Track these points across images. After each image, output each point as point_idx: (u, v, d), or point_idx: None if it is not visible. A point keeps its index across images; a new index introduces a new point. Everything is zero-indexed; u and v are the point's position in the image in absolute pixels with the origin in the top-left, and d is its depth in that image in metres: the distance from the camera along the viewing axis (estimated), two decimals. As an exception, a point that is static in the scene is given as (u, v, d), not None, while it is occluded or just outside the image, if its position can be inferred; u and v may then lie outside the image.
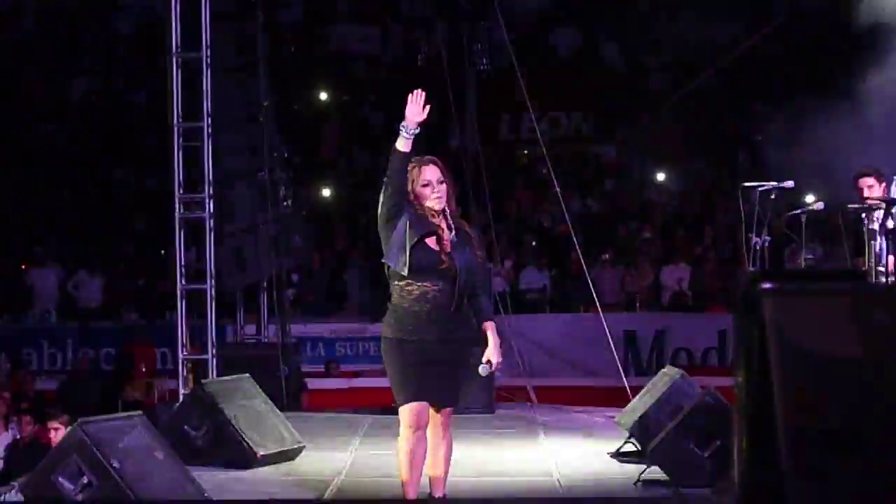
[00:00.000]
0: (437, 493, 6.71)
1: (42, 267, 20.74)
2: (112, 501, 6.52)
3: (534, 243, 20.42)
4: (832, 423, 1.15)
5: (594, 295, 13.16)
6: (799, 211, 9.16)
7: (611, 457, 9.44)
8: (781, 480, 1.23)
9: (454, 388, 6.68)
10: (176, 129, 12.51)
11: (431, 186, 6.50)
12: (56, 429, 10.20)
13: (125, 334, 19.44)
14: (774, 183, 9.24)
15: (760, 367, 1.27)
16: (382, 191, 6.46)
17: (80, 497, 7.13)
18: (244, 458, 9.27)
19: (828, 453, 1.15)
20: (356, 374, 18.38)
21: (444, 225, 6.54)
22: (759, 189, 9.28)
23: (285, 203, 14.80)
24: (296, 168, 19.03)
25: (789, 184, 9.28)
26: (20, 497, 9.50)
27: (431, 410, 6.62)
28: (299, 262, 17.36)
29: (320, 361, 18.82)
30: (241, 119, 13.82)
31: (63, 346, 19.25)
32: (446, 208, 6.56)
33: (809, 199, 12.84)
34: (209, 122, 12.49)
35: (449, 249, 6.48)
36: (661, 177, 23.20)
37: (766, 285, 1.22)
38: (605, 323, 12.86)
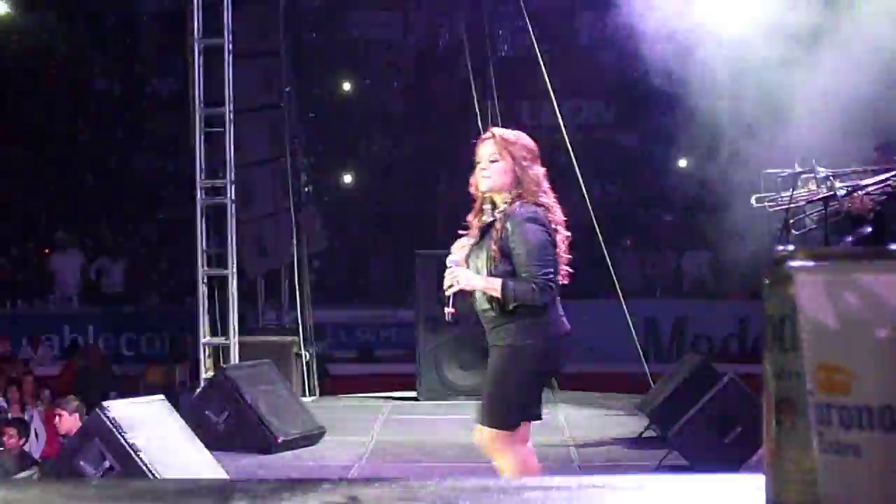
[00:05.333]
0: None
1: (64, 252, 20.81)
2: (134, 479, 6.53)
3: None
4: (865, 400, 1.15)
5: (615, 281, 13.13)
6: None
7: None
8: (813, 458, 1.23)
9: (485, 405, 5.89)
10: (198, 115, 12.52)
11: (480, 167, 5.88)
12: (59, 414, 10.19)
13: (146, 319, 19.51)
14: (797, 168, 9.17)
15: (791, 345, 1.27)
16: None
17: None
18: (265, 443, 9.31)
19: (860, 430, 1.15)
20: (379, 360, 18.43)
21: (477, 220, 5.91)
22: (780, 175, 9.22)
23: (306, 189, 14.81)
24: (317, 154, 19.05)
25: (811, 169, 9.22)
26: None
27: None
28: (320, 248, 17.38)
29: (345, 347, 18.86)
30: (263, 105, 13.84)
31: (84, 332, 19.30)
32: (497, 191, 5.82)
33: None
34: (231, 108, 12.49)
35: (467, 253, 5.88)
36: (682, 163, 23.12)
37: (796, 262, 1.22)
38: (625, 309, 12.84)
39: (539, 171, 5.87)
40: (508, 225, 5.70)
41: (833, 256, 1.32)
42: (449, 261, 5.86)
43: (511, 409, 5.84)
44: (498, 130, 5.97)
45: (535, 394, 5.94)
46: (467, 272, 5.79)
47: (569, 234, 5.98)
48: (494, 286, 5.68)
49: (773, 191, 9.04)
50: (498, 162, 5.80)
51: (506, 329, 5.75)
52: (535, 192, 5.77)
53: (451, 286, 5.78)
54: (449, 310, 5.81)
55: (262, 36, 13.92)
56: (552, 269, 5.74)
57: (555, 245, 5.83)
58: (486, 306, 5.78)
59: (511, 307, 5.69)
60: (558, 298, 5.92)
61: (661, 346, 18.60)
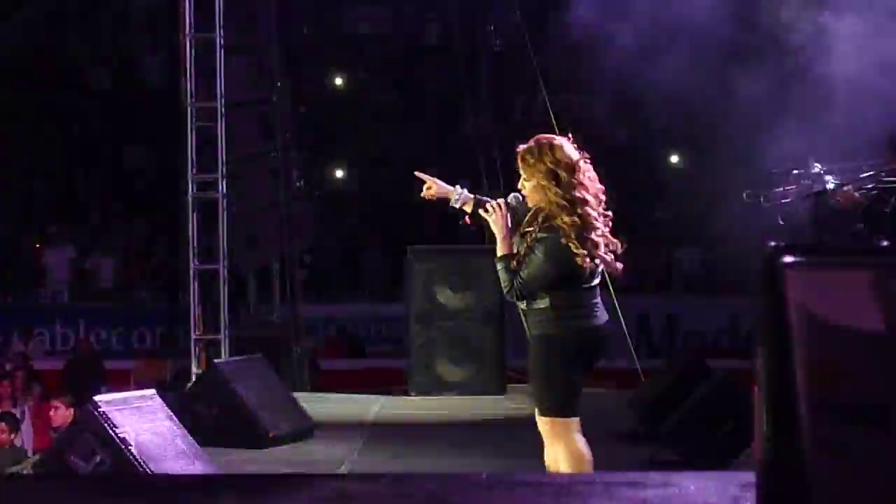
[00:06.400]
0: None
1: (55, 246, 20.78)
2: (124, 474, 6.53)
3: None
4: (855, 398, 1.15)
5: (606, 277, 13.11)
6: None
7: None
8: (803, 455, 1.23)
9: (536, 391, 6.25)
10: (189, 109, 12.50)
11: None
12: (56, 408, 10.18)
13: (137, 314, 19.49)
14: (793, 166, 9.16)
15: (782, 342, 1.27)
16: None
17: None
18: (256, 439, 9.29)
19: (850, 428, 1.15)
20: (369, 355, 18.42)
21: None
22: (774, 171, 9.21)
23: (297, 184, 14.79)
24: (308, 149, 19.03)
25: (813, 167, 9.19)
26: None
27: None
28: (311, 242, 17.35)
29: (336, 342, 18.84)
30: (254, 100, 13.81)
31: (75, 326, 19.28)
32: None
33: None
34: (222, 102, 12.48)
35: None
36: (674, 159, 23.15)
37: (788, 259, 1.21)
38: (617, 305, 12.83)
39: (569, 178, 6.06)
40: (537, 246, 5.99)
41: (824, 253, 1.31)
42: (511, 198, 6.21)
43: (559, 396, 6.08)
44: (522, 147, 6.10)
45: (578, 383, 6.13)
46: (503, 219, 6.10)
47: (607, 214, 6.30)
48: (499, 247, 6.07)
49: (765, 186, 9.04)
50: (528, 181, 6.04)
51: (534, 320, 6.09)
52: (559, 213, 5.99)
53: (487, 212, 6.14)
54: (468, 219, 6.29)
55: (253, 30, 13.89)
56: (535, 289, 6.03)
57: (574, 266, 6.06)
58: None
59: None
60: (597, 291, 6.32)
61: (652, 342, 18.60)
